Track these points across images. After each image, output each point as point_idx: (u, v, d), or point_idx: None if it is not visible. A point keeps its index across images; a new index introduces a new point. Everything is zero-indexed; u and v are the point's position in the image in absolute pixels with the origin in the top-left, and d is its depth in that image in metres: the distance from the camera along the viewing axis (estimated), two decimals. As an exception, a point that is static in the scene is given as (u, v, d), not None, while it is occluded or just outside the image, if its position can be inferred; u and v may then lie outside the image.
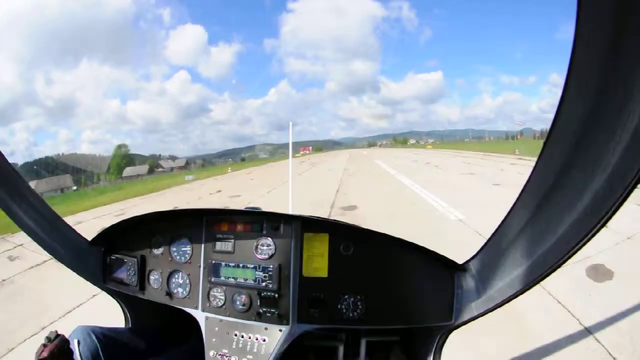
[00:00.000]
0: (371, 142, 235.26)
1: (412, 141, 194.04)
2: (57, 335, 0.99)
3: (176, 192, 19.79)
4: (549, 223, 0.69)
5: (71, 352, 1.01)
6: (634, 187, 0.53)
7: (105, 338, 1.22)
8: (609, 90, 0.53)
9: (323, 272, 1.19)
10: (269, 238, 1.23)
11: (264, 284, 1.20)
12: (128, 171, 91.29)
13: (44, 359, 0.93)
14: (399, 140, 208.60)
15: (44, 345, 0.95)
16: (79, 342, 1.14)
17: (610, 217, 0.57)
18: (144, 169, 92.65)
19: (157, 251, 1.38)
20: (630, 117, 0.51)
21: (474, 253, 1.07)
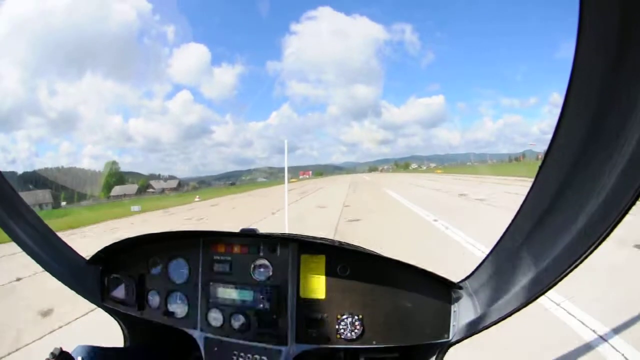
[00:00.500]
0: (372, 167, 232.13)
1: (414, 165, 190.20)
2: (62, 352, 1.03)
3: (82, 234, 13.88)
4: (544, 244, 0.72)
5: None
6: (627, 211, 0.54)
7: (104, 358, 1.24)
8: (607, 114, 0.54)
9: (320, 294, 1.21)
10: (265, 260, 1.24)
11: (261, 305, 1.21)
12: (117, 190, 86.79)
13: None
14: (401, 165, 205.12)
15: None
16: None
17: (603, 240, 0.59)
18: (132, 188, 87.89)
19: (155, 271, 1.39)
20: (627, 142, 0.51)
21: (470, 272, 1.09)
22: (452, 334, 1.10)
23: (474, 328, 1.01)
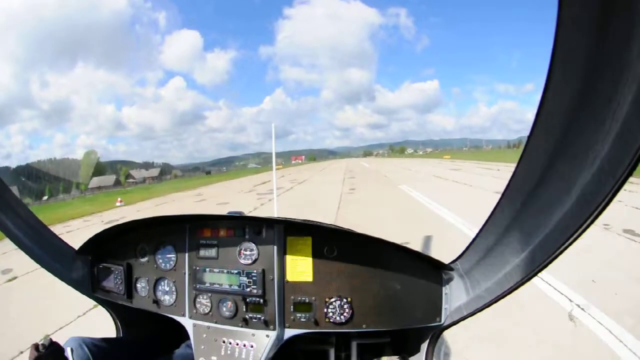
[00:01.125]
0: (367, 152, 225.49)
1: (409, 150, 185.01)
2: (51, 343, 1.02)
3: None
4: (536, 219, 0.67)
5: None
6: (625, 179, 0.50)
7: (96, 349, 1.23)
8: (596, 78, 0.50)
9: (308, 276, 1.18)
10: (251, 243, 1.22)
11: (248, 289, 1.19)
12: (94, 182, 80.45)
13: None
14: (396, 149, 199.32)
15: (36, 350, 0.98)
16: (72, 350, 1.14)
17: (600, 212, 0.54)
18: (109, 179, 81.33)
19: (143, 259, 1.37)
20: (619, 105, 0.48)
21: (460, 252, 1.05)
22: (444, 318, 1.08)
23: (466, 311, 0.99)
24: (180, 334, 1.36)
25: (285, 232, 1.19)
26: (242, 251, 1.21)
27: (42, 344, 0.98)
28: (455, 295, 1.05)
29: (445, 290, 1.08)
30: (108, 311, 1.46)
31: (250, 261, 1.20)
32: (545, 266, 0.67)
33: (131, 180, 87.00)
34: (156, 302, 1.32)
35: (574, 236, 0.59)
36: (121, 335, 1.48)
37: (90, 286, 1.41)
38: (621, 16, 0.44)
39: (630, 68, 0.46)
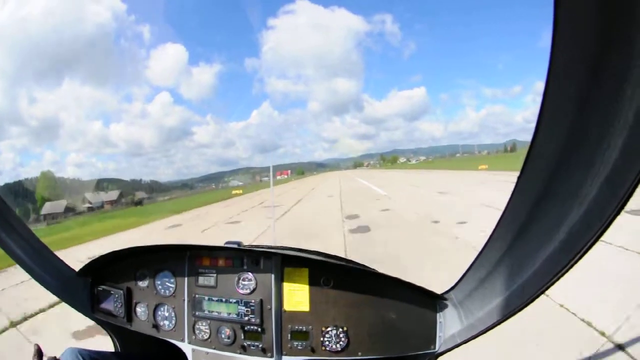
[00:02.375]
0: (357, 163, 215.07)
1: (402, 159, 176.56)
2: (47, 357, 1.03)
3: None
4: (526, 254, 0.70)
5: None
6: (611, 221, 0.51)
7: None
8: (588, 120, 0.51)
9: (304, 306, 1.20)
10: (249, 273, 1.24)
11: (246, 318, 1.22)
12: (47, 207, 67.76)
13: None
14: (388, 159, 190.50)
15: None
16: None
17: (586, 251, 0.56)
18: (60, 205, 68.68)
19: (143, 284, 1.38)
20: (610, 149, 0.49)
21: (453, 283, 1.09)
22: (439, 345, 1.09)
23: (459, 339, 1.00)
24: (178, 358, 1.38)
25: (283, 263, 1.21)
26: (240, 281, 1.24)
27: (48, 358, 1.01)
28: (449, 323, 1.07)
29: (439, 318, 1.10)
30: (108, 333, 1.47)
31: (248, 291, 1.23)
32: (534, 299, 0.70)
33: (87, 205, 74.43)
34: (156, 326, 1.34)
35: (562, 272, 0.61)
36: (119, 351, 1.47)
37: (90, 307, 1.43)
38: (613, 61, 0.44)
39: (622, 113, 0.46)
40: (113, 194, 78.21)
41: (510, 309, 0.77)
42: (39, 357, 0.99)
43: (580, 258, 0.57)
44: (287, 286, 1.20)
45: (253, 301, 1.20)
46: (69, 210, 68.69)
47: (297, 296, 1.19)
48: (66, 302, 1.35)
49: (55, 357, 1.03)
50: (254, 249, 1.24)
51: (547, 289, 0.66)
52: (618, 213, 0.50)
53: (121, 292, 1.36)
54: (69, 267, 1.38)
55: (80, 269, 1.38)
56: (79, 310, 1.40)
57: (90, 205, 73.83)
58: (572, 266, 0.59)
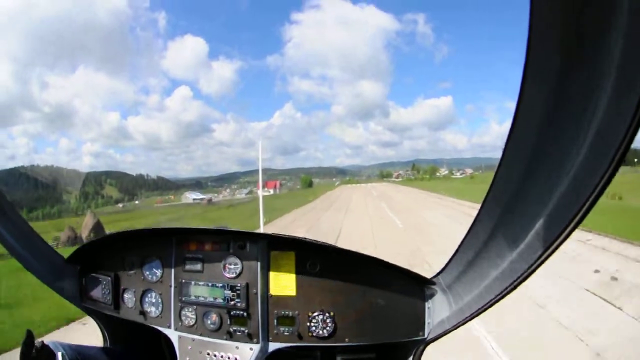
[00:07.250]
0: (385, 172, 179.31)
1: (444, 171, 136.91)
2: (43, 345, 1.03)
3: None
4: (515, 232, 0.68)
5: None
6: (602, 191, 0.50)
7: (81, 356, 1.22)
8: (570, 84, 0.51)
9: (291, 290, 1.19)
10: (235, 257, 1.23)
11: (232, 302, 1.20)
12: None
13: None
14: (424, 168, 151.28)
15: (28, 354, 0.99)
16: (63, 356, 1.14)
17: (577, 224, 0.54)
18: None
19: (130, 270, 1.38)
20: (595, 115, 0.48)
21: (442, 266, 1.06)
22: (428, 332, 1.08)
23: (449, 325, 0.99)
24: (165, 345, 1.36)
25: (269, 246, 1.21)
26: (226, 265, 1.23)
27: (35, 347, 1.00)
28: (437, 309, 1.06)
29: (428, 304, 1.09)
30: (96, 321, 1.47)
31: (234, 275, 1.22)
32: (525, 278, 0.67)
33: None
34: (143, 313, 1.33)
35: (552, 246, 0.59)
36: (107, 344, 1.47)
37: (79, 296, 1.42)
38: (586, 63, 0.46)
39: (594, 114, 0.47)
40: None
41: (499, 290, 0.74)
42: (29, 341, 0.99)
43: (571, 230, 0.55)
44: (273, 270, 1.19)
45: (239, 285, 1.19)
46: None
47: (283, 280, 1.18)
48: (55, 290, 1.34)
49: (43, 342, 1.04)
50: (240, 231, 1.24)
51: (539, 265, 0.63)
52: (610, 177, 0.48)
53: (109, 278, 1.35)
54: (59, 254, 1.39)
55: (69, 256, 1.39)
56: (68, 299, 1.40)
57: None
58: (562, 242, 0.57)
